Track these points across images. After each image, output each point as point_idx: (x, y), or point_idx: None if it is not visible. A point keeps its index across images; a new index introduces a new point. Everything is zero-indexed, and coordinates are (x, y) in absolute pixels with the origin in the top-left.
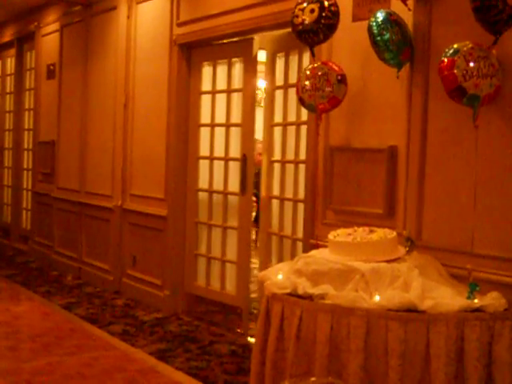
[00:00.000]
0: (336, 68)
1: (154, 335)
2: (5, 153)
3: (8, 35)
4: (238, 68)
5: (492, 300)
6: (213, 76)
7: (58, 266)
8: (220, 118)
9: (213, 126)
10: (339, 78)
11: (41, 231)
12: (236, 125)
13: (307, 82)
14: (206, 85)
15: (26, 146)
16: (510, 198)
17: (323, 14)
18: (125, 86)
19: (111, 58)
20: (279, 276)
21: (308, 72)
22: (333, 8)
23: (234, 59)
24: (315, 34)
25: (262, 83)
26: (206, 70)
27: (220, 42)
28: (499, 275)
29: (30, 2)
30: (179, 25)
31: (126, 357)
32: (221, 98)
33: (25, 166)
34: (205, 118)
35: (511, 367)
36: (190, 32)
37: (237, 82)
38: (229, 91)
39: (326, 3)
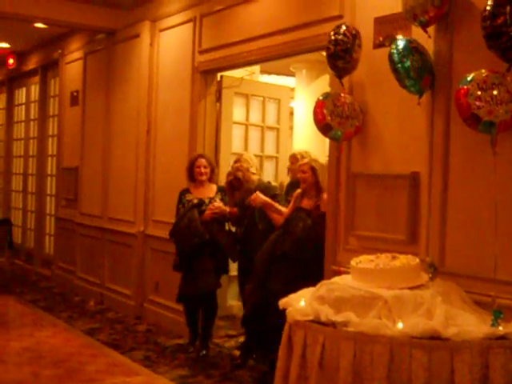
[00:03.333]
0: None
1: (176, 361)
2: (28, 178)
3: (32, 63)
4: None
5: None
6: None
7: (80, 292)
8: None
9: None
10: (360, 107)
11: (64, 256)
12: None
13: (337, 109)
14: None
15: (49, 172)
16: None
17: (337, 39)
18: (147, 113)
19: (134, 85)
20: (301, 303)
21: (335, 100)
22: (346, 33)
23: None
24: (335, 58)
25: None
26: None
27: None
28: None
29: (54, 31)
30: (201, 52)
31: (148, 383)
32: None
33: (48, 192)
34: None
35: None
36: (212, 59)
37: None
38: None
39: (341, 29)
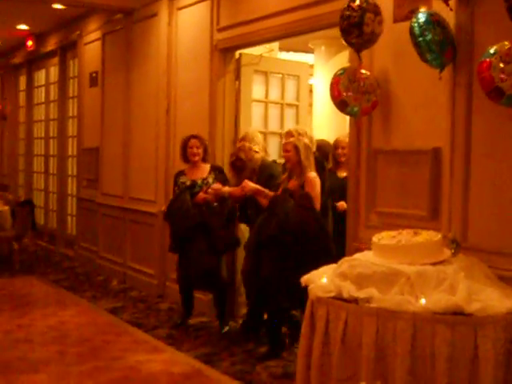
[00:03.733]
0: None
1: (199, 339)
2: (50, 160)
3: (51, 44)
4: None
5: None
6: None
7: (103, 271)
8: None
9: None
10: (377, 82)
11: (86, 237)
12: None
13: (352, 85)
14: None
15: (70, 153)
16: None
17: (346, 14)
18: (167, 92)
19: (153, 64)
20: (323, 279)
21: (351, 75)
22: (355, 7)
23: None
24: (346, 33)
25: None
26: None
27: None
28: None
29: (72, 12)
30: (220, 30)
31: (172, 361)
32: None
33: (69, 173)
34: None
35: None
36: (230, 37)
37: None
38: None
39: (353, 3)
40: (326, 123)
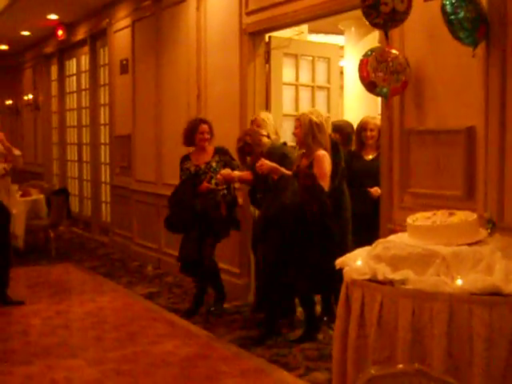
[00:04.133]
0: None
1: (235, 323)
2: (83, 148)
3: (81, 33)
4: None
5: None
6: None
7: (138, 257)
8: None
9: None
10: (407, 61)
11: (120, 223)
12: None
13: (380, 65)
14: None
15: (102, 141)
16: None
17: None
18: (197, 78)
19: (182, 50)
20: (358, 262)
21: (378, 56)
22: None
23: None
24: (365, 15)
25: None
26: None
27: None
28: None
29: (101, 0)
30: (248, 13)
31: (208, 345)
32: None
33: (102, 160)
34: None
35: None
36: (259, 20)
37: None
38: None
39: None
40: (358, 105)
